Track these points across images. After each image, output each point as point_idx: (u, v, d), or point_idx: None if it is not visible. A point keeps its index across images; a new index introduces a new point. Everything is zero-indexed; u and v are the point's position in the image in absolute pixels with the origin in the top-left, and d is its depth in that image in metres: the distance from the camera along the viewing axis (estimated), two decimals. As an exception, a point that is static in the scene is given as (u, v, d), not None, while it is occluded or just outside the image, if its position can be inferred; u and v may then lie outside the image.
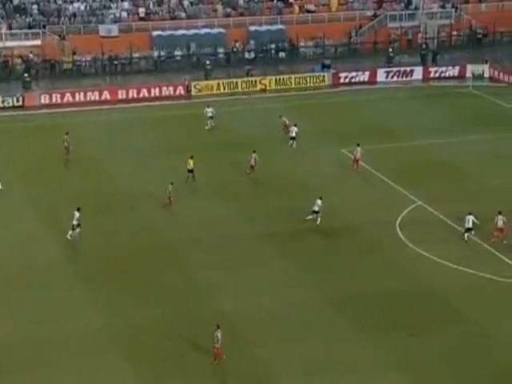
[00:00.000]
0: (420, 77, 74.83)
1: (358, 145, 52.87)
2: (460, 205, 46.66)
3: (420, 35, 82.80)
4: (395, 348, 34.47)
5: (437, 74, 75.30)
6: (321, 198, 44.93)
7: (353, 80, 73.59)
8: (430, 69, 75.67)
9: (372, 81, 73.75)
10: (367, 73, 74.03)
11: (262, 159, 51.51)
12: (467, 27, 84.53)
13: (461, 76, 74.70)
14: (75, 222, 42.53)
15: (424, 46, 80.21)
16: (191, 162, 49.90)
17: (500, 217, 42.87)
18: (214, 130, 59.90)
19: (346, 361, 33.69)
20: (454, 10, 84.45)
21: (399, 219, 45.99)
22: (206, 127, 60.08)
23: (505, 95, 68.89)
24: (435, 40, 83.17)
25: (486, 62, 75.15)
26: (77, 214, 42.63)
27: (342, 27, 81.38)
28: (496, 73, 74.18)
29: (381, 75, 74.27)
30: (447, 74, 75.13)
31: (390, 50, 78.35)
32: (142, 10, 79.63)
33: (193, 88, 70.40)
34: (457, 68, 75.19)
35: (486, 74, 74.43)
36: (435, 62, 77.57)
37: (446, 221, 45.84)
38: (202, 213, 46.97)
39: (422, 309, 37.46)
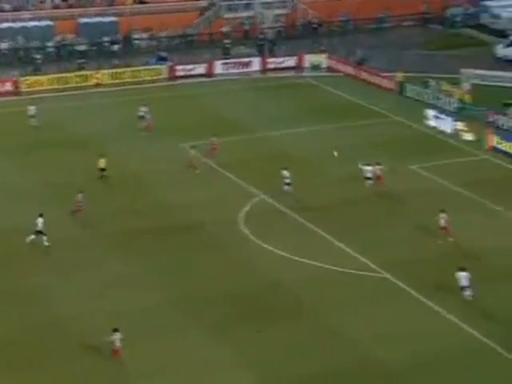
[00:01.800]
0: (258, 68, 73.94)
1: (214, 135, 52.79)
2: (302, 195, 46.96)
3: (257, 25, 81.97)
4: (243, 344, 34.16)
5: (274, 65, 74.55)
6: (286, 169, 46.50)
7: (190, 73, 71.83)
8: (268, 60, 74.88)
9: (210, 73, 72.22)
10: (204, 65, 72.49)
11: (95, 157, 49.33)
12: (303, 17, 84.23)
13: (299, 66, 74.26)
14: (39, 229, 41.19)
15: (261, 36, 79.31)
16: (103, 160, 48.65)
17: (442, 215, 41.58)
18: (44, 127, 57.16)
19: (192, 360, 33.06)
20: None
21: (242, 214, 45.40)
22: (32, 124, 57.33)
23: (342, 85, 68.84)
24: (272, 30, 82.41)
25: (323, 52, 74.98)
26: (40, 220, 41.15)
27: (177, 18, 79.43)
28: (333, 63, 74.01)
29: (218, 67, 72.85)
30: (285, 65, 74.51)
31: (227, 41, 77.07)
32: (-37, 2, 75.72)
33: (22, 84, 66.87)
34: (294, 58, 74.66)
35: (324, 64, 74.25)
36: (273, 53, 76.82)
37: (289, 213, 45.53)
38: (33, 217, 43.96)
39: (270, 304, 37.11)
